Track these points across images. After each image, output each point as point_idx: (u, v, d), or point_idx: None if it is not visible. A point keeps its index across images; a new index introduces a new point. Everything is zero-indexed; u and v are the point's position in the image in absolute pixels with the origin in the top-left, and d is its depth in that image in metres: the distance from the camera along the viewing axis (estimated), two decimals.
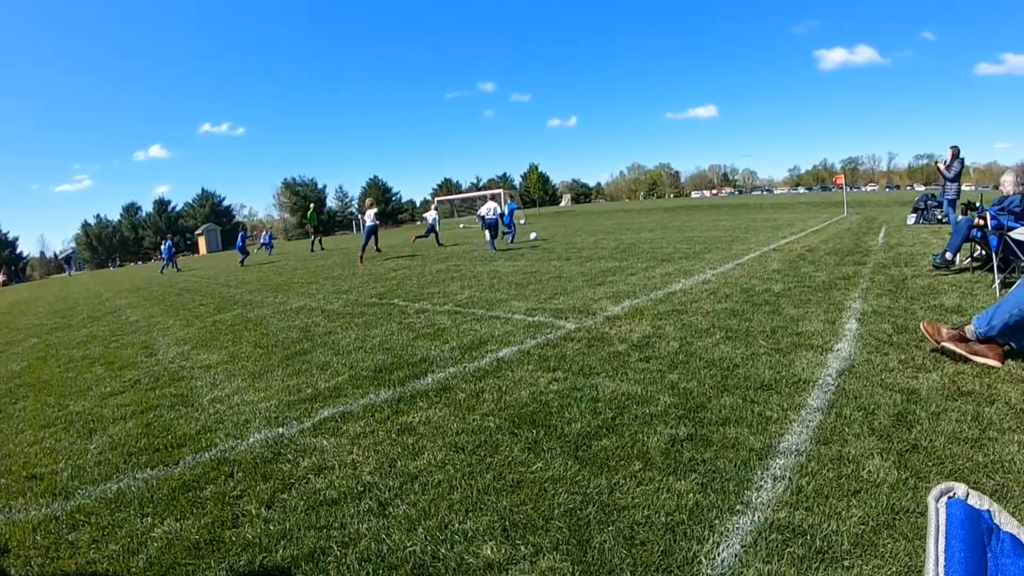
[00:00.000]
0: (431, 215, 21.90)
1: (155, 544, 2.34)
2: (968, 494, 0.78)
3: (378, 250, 19.20)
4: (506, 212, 20.24)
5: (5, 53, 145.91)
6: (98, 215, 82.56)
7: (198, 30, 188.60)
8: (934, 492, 0.79)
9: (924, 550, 0.73)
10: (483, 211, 17.70)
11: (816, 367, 3.75)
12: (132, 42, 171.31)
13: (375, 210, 17.30)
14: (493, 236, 16.25)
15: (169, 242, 27.17)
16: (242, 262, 23.06)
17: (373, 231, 17.33)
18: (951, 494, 0.77)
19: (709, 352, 4.24)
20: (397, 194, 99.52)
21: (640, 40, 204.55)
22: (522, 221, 33.56)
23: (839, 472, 2.41)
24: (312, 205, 32.60)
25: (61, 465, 3.28)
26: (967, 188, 13.16)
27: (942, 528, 0.73)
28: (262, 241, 30.88)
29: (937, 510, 0.75)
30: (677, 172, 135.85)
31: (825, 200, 44.51)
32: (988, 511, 0.78)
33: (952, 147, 12.13)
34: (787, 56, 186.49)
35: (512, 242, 18.13)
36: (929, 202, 16.39)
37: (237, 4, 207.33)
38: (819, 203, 39.43)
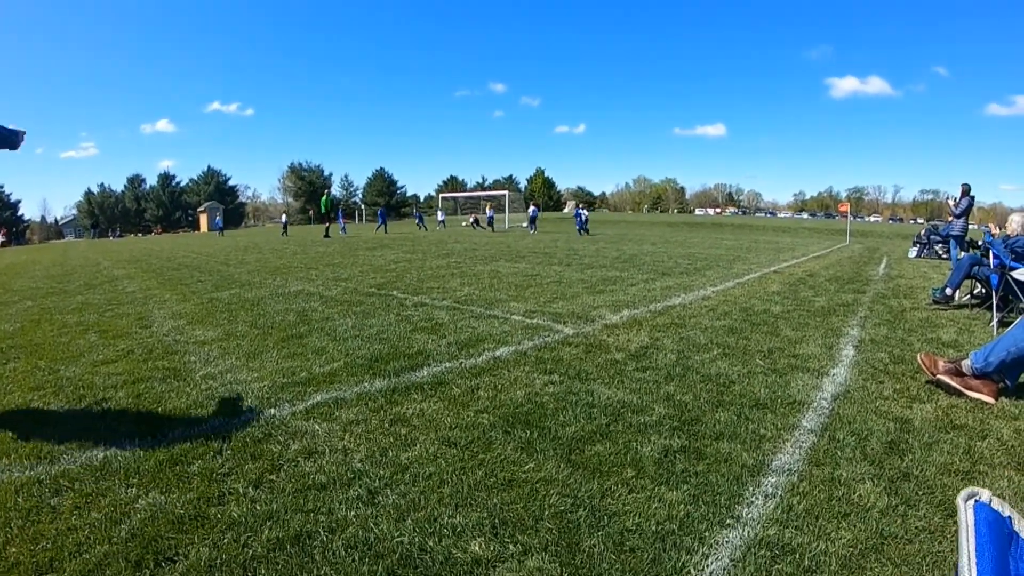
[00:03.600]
0: (489, 212, 34.10)
1: (138, 515, 2.28)
2: (991, 499, 0.82)
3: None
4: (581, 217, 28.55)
5: (20, 24, 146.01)
6: (102, 184, 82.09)
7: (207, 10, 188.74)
8: (962, 494, 0.84)
9: (956, 548, 0.77)
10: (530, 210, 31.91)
11: (811, 390, 3.76)
12: (138, 16, 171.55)
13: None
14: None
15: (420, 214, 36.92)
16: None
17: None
18: (977, 497, 0.82)
19: (706, 367, 4.24)
20: (403, 187, 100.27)
21: (653, 55, 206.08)
22: (523, 225, 35.69)
23: (830, 494, 2.41)
24: (328, 192, 33.50)
25: (49, 429, 3.20)
26: (971, 227, 13.32)
27: (971, 528, 0.77)
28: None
29: (966, 510, 0.80)
30: (683, 188, 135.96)
31: (828, 227, 44.73)
32: (1009, 517, 0.82)
33: (963, 184, 12.26)
34: (799, 81, 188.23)
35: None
36: (932, 236, 16.49)
37: None
38: (822, 230, 39.60)
